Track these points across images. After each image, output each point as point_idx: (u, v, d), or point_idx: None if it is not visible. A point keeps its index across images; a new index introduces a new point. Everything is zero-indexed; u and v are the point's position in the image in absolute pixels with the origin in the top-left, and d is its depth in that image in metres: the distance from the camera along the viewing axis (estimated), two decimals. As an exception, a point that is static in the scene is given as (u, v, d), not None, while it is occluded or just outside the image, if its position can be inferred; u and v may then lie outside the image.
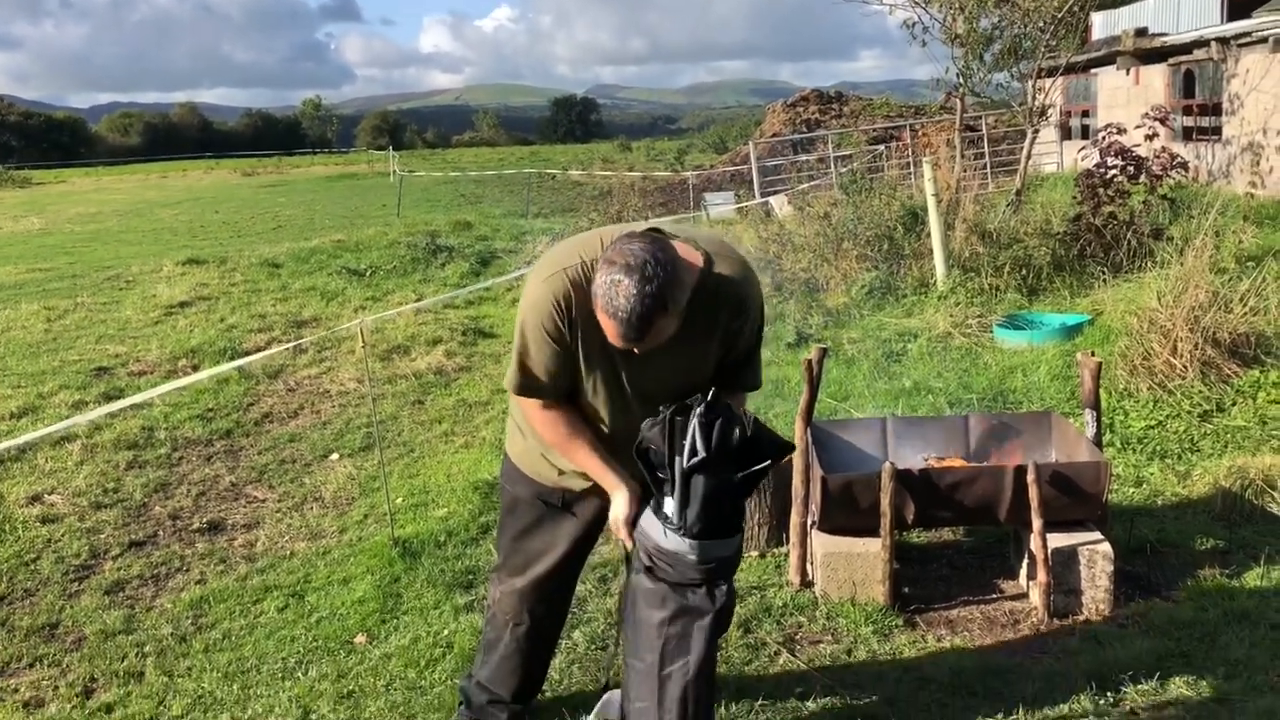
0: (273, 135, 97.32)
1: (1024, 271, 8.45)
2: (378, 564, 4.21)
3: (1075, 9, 12.57)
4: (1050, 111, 15.11)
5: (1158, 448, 5.03)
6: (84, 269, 13.60)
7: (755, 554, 4.08)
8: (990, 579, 3.85)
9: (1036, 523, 3.48)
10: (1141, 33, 17.69)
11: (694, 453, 2.21)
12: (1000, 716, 2.95)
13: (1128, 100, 17.96)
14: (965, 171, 12.37)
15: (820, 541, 3.71)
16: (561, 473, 2.65)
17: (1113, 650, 3.26)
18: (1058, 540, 3.53)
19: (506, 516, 2.81)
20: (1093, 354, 3.98)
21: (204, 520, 4.89)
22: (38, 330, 9.28)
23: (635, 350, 2.26)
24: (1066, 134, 20.89)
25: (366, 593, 3.96)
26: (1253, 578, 3.70)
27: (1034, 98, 13.07)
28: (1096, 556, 3.51)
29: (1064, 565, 3.52)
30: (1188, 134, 16.59)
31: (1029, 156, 12.92)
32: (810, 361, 3.94)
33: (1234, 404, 5.36)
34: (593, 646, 3.45)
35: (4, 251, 16.58)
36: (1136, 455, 4.98)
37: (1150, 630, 3.39)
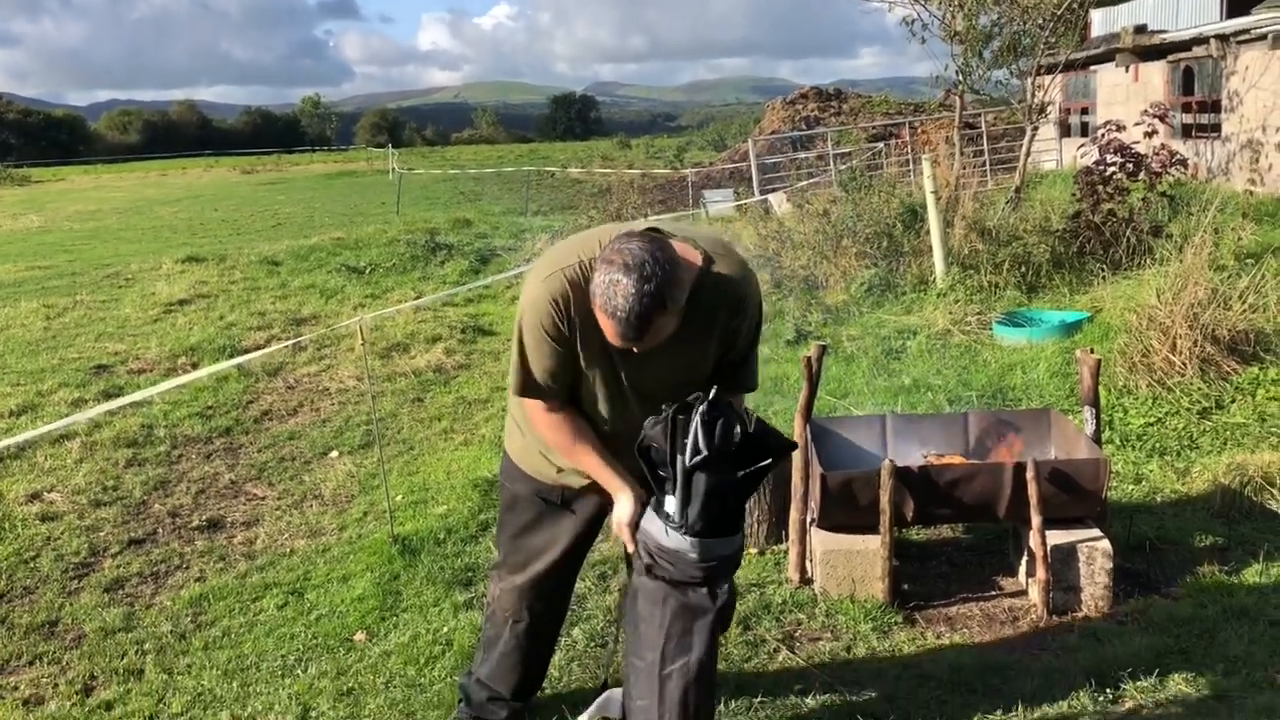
0: (272, 133, 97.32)
1: (1023, 269, 8.45)
2: (377, 561, 4.21)
3: (1074, 6, 12.55)
4: (1049, 109, 15.09)
5: (1157, 445, 5.04)
6: (83, 267, 13.59)
7: (754, 551, 4.08)
8: (989, 576, 3.85)
9: (1036, 520, 3.48)
10: (1141, 30, 17.68)
11: (696, 450, 2.21)
12: (999, 713, 2.95)
13: (1127, 97, 17.96)
14: (964, 169, 12.37)
15: (819, 539, 3.71)
16: (560, 470, 2.65)
17: (1112, 647, 3.27)
18: (1057, 537, 3.54)
19: (506, 514, 2.81)
20: (1092, 351, 3.99)
21: (203, 518, 4.89)
22: (37, 328, 9.28)
23: (634, 349, 2.26)
24: (1066, 131, 20.89)
25: (366, 590, 3.96)
26: (1251, 574, 3.71)
27: (1033, 95, 13.04)
28: (1095, 553, 3.52)
29: (1063, 562, 3.52)
30: (1187, 131, 16.59)
31: (1028, 154, 12.92)
32: (809, 359, 3.95)
33: (1233, 401, 5.37)
34: (592, 644, 3.45)
35: (3, 249, 16.57)
36: (1135, 452, 4.98)
37: (1149, 627, 3.40)
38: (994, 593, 3.74)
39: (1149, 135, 8.98)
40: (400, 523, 4.62)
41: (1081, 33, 14.26)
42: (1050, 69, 13.36)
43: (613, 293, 2.16)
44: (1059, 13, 12.40)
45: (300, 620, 3.79)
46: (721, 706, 2.98)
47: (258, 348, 7.90)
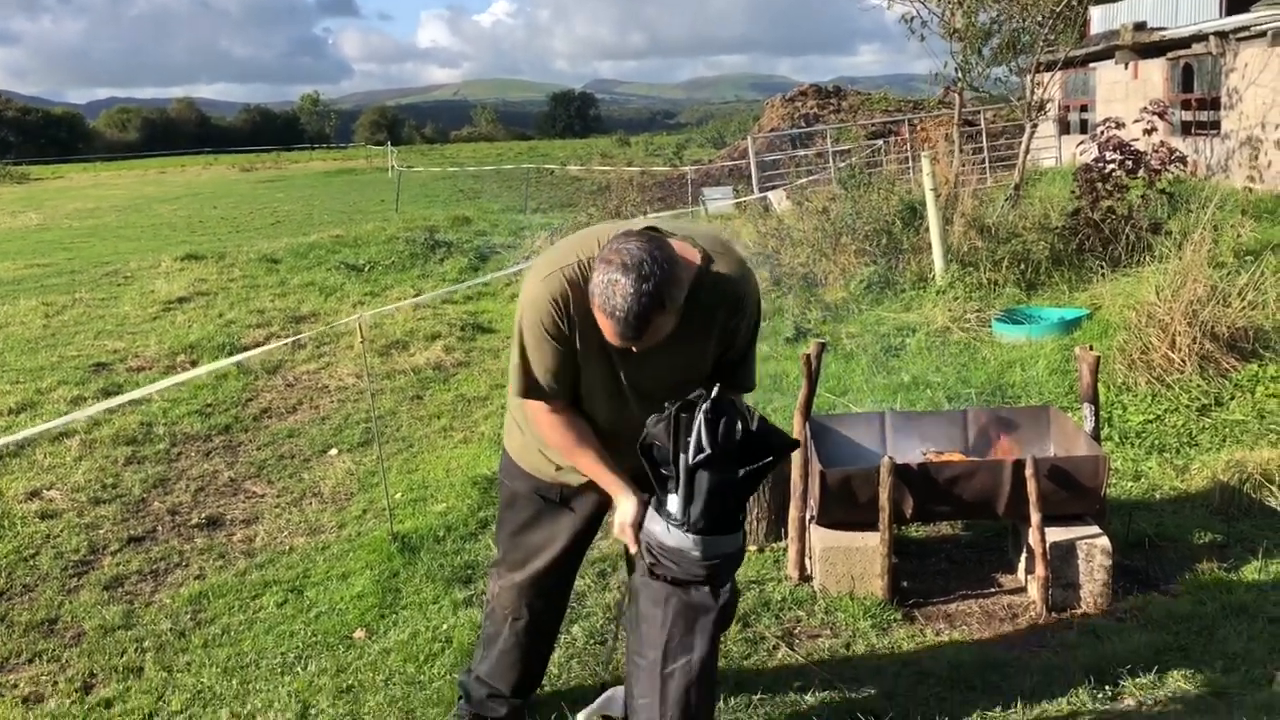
0: (271, 130, 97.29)
1: (1022, 266, 8.45)
2: (377, 559, 4.21)
3: (1074, 3, 12.55)
4: (1049, 106, 15.08)
5: (1156, 442, 5.04)
6: (82, 264, 13.59)
7: (754, 548, 4.08)
8: (989, 573, 3.85)
9: (1035, 517, 3.48)
10: (1140, 27, 17.68)
11: (699, 448, 2.21)
12: (998, 710, 2.96)
13: (1126, 95, 17.95)
14: (964, 166, 12.38)
15: (819, 536, 3.72)
16: (559, 468, 2.65)
17: (1111, 644, 3.27)
18: (1056, 534, 3.54)
19: (505, 511, 2.81)
20: (1091, 348, 3.98)
21: (203, 515, 4.89)
22: (36, 326, 9.28)
23: (633, 349, 2.26)
24: (1065, 128, 20.89)
25: (365, 588, 3.96)
26: (1250, 571, 3.71)
27: (1032, 92, 13.04)
28: (1094, 551, 3.52)
29: (1062, 559, 3.53)
30: (1186, 128, 16.59)
31: (1027, 151, 12.92)
32: (809, 356, 3.95)
33: (1232, 398, 5.37)
34: (592, 641, 3.45)
35: (2, 247, 16.57)
36: (1135, 449, 4.98)
37: (1148, 624, 3.40)
38: (993, 590, 3.74)
39: (1148, 132, 8.98)
40: (400, 520, 4.62)
41: (1081, 30, 14.24)
42: (1049, 66, 13.35)
43: (611, 292, 2.16)
44: (1058, 10, 12.40)
45: (300, 618, 3.79)
46: (721, 704, 2.98)
47: (257, 345, 7.90)
